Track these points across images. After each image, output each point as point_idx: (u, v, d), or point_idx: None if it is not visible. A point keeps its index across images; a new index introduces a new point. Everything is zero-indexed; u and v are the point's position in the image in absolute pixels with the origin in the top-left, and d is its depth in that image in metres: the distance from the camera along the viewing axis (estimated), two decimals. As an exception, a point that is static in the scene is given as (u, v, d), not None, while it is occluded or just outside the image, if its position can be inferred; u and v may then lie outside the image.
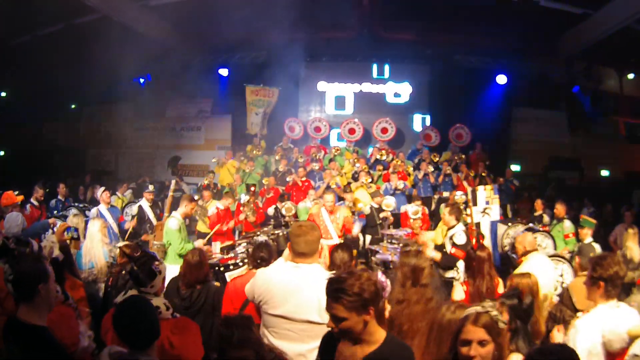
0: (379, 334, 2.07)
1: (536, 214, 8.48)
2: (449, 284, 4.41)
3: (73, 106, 14.52)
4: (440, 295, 3.21)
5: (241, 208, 7.78)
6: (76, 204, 8.52)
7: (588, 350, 2.64)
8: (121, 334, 2.11)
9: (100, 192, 7.60)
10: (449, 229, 5.34)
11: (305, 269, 2.56)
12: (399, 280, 3.08)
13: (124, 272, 4.00)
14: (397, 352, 2.05)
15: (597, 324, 2.66)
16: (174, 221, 5.58)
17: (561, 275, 5.53)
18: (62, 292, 2.78)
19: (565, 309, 3.46)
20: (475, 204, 6.51)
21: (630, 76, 14.83)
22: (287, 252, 2.80)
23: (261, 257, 3.53)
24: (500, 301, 2.84)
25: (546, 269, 4.25)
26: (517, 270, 4.11)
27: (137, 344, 2.08)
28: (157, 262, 2.83)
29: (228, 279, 4.69)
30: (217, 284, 4.10)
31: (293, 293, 2.51)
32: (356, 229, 7.55)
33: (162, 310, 2.62)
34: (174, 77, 12.00)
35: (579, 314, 2.95)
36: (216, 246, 6.51)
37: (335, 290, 1.97)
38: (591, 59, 13.91)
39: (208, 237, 6.89)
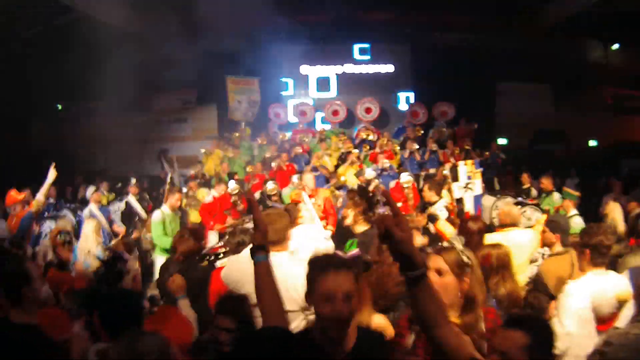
0: None
1: (524, 187, 8.36)
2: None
3: (59, 107, 14.49)
4: None
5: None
6: (67, 205, 8.54)
7: (578, 315, 2.68)
8: (107, 326, 2.19)
9: (91, 192, 7.64)
10: (431, 205, 5.37)
11: (274, 258, 2.47)
12: (375, 244, 3.06)
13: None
14: None
15: (586, 289, 2.70)
16: (157, 213, 5.74)
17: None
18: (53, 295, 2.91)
19: (541, 296, 3.20)
20: (457, 179, 6.46)
21: (615, 46, 14.86)
22: None
23: (238, 242, 3.55)
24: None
25: (520, 245, 3.86)
26: (488, 239, 3.86)
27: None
28: (121, 263, 3.05)
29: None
30: None
31: None
32: None
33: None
34: (157, 68, 11.96)
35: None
36: (212, 235, 6.60)
37: None
38: (574, 30, 13.89)
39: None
